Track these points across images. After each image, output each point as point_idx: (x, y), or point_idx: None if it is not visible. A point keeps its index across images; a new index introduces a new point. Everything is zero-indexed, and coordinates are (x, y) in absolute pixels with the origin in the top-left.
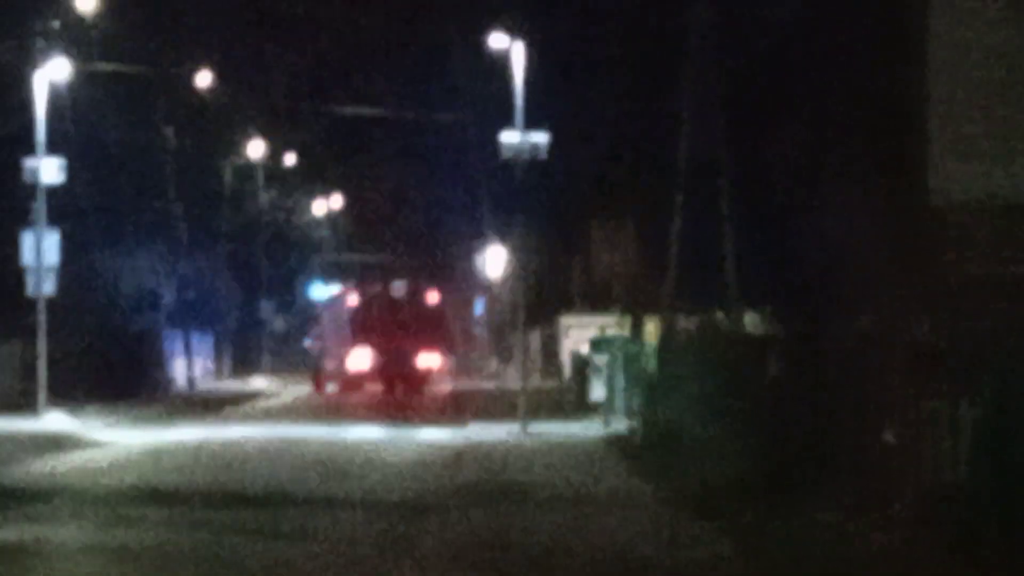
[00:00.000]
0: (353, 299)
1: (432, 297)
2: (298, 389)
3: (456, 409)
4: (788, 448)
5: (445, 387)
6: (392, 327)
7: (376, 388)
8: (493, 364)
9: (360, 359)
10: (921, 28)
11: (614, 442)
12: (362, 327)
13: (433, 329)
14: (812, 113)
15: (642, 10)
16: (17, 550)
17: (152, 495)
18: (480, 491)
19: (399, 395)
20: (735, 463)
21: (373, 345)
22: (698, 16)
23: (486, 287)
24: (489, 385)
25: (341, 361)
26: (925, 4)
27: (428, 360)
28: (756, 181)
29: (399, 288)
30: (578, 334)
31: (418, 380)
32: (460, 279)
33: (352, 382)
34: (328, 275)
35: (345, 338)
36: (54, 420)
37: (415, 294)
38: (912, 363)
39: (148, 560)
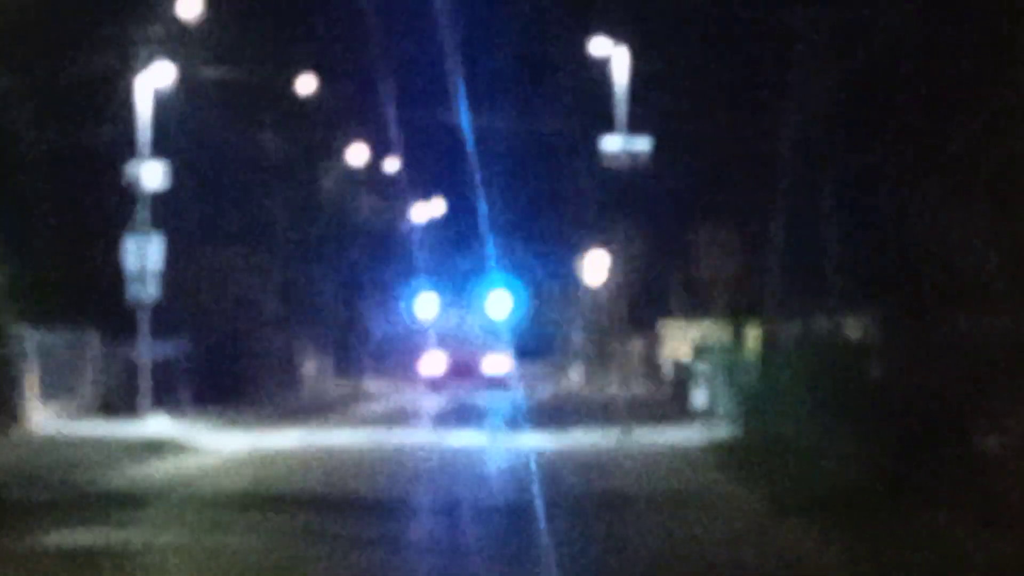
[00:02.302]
0: (431, 309)
1: (503, 305)
2: (400, 394)
3: (558, 415)
4: (892, 453)
5: (547, 393)
6: (465, 334)
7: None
8: (592, 370)
9: (434, 364)
10: None
11: (716, 449)
12: (438, 334)
13: (501, 336)
14: (921, 113)
15: (746, 13)
16: (115, 554)
17: (252, 501)
18: (583, 498)
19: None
20: (839, 469)
21: (446, 350)
22: (805, 19)
23: (586, 293)
24: (590, 391)
25: (423, 365)
26: None
27: (496, 365)
28: (860, 184)
29: (472, 297)
30: (679, 340)
31: (487, 383)
32: (561, 285)
33: (435, 384)
34: (429, 280)
35: (425, 343)
36: (157, 424)
37: (487, 303)
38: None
39: (243, 567)
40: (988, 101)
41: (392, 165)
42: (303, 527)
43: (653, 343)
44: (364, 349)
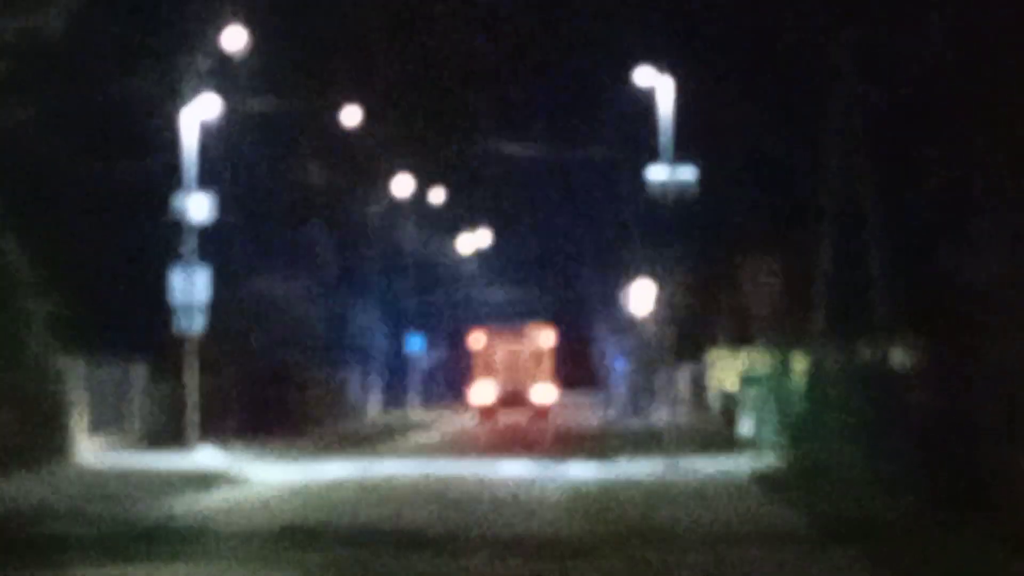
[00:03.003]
0: (481, 339)
1: (549, 335)
2: (447, 423)
3: (603, 446)
4: (939, 480)
5: (594, 421)
6: (511, 364)
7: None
8: (639, 400)
9: (484, 392)
10: None
11: (764, 477)
12: (487, 364)
13: (548, 365)
14: (961, 141)
15: (788, 43)
16: None
17: (300, 535)
18: (631, 529)
19: (527, 426)
20: (886, 496)
21: (495, 380)
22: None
23: (632, 323)
24: (637, 421)
25: (474, 394)
26: None
27: (543, 393)
28: (904, 213)
29: (519, 328)
30: (725, 370)
31: (535, 412)
32: (606, 315)
33: (485, 412)
34: (475, 311)
35: (474, 374)
36: (205, 456)
37: (534, 333)
38: None
39: None
40: None
41: (438, 196)
42: (351, 561)
43: (700, 373)
44: (411, 378)
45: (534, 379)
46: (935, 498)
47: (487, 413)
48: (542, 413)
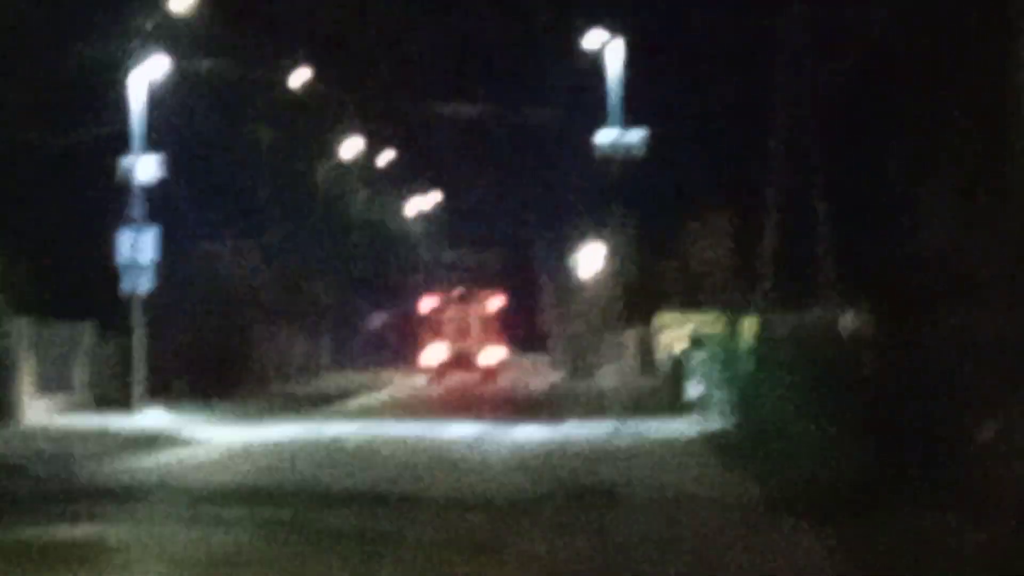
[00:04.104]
0: (431, 302)
1: (498, 300)
2: (396, 386)
3: (552, 406)
4: (885, 447)
5: (542, 384)
6: (460, 327)
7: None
8: (588, 362)
9: (433, 354)
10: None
11: (710, 440)
12: (437, 327)
13: (496, 328)
14: (915, 107)
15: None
16: (100, 548)
17: (244, 494)
18: (576, 490)
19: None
20: (832, 462)
21: (444, 342)
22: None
23: (580, 286)
24: (585, 384)
25: (423, 355)
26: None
27: (491, 355)
28: (852, 176)
29: (468, 292)
30: (673, 333)
31: (483, 373)
32: (554, 278)
33: (435, 374)
34: (424, 274)
35: (424, 336)
36: (151, 417)
37: (483, 297)
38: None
39: (231, 561)
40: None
41: (386, 158)
42: (291, 521)
43: (649, 335)
44: (360, 340)
45: (482, 342)
46: (883, 464)
47: (437, 374)
48: (491, 374)
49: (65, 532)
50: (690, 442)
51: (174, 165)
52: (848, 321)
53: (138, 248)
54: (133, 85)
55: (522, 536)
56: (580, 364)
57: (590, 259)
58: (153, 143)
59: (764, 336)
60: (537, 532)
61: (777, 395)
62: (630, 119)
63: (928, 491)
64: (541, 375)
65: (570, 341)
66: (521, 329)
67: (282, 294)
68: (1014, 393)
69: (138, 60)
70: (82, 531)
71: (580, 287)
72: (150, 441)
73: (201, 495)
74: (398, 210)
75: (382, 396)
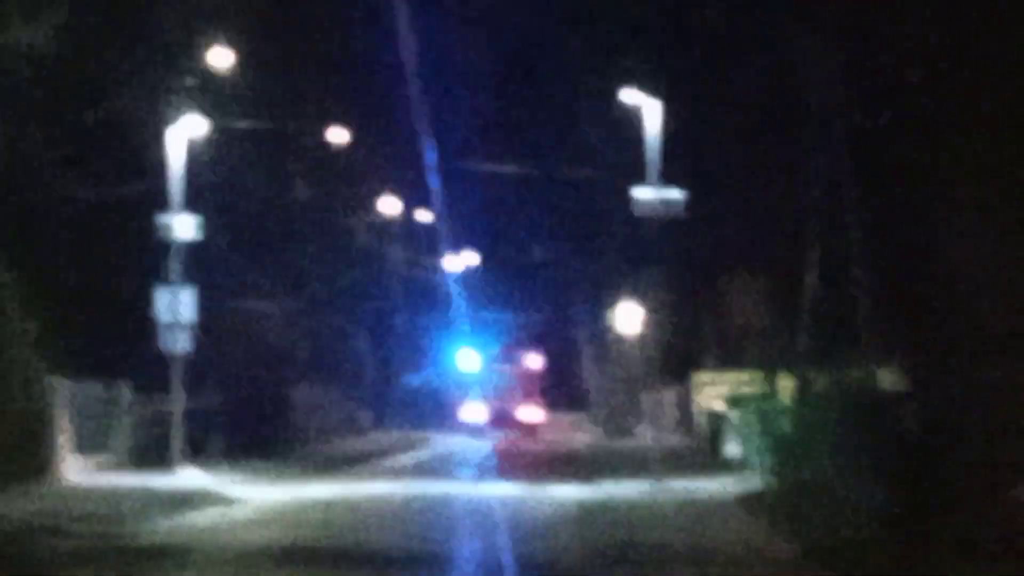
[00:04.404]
0: (471, 361)
1: (537, 358)
2: (433, 445)
3: (588, 466)
4: (923, 503)
5: (581, 442)
6: (500, 385)
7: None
8: (625, 421)
9: (474, 412)
10: None
11: (749, 499)
12: (477, 383)
13: (536, 386)
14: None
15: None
16: None
17: (283, 554)
18: (616, 549)
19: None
20: (872, 519)
21: (485, 399)
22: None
23: (618, 344)
24: (623, 442)
25: (464, 412)
26: None
27: (531, 413)
28: (890, 234)
29: (507, 351)
30: (711, 391)
31: (523, 431)
32: (591, 337)
33: (477, 431)
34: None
35: (463, 393)
36: (189, 476)
37: (522, 356)
38: None
39: None
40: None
41: (424, 216)
42: None
43: (686, 394)
44: (399, 399)
45: (522, 399)
46: (922, 522)
47: (477, 433)
48: (531, 432)
49: None
50: (728, 501)
51: (212, 223)
52: (886, 378)
53: (176, 306)
54: (171, 142)
55: None
56: (618, 422)
57: (628, 317)
58: (192, 201)
59: (802, 394)
60: None
61: (816, 453)
62: (668, 177)
63: (966, 548)
64: (579, 433)
65: (608, 399)
66: (560, 387)
67: (321, 352)
68: None
69: (176, 117)
70: None
71: (618, 345)
72: (189, 500)
73: (241, 555)
74: (437, 268)
75: (422, 455)
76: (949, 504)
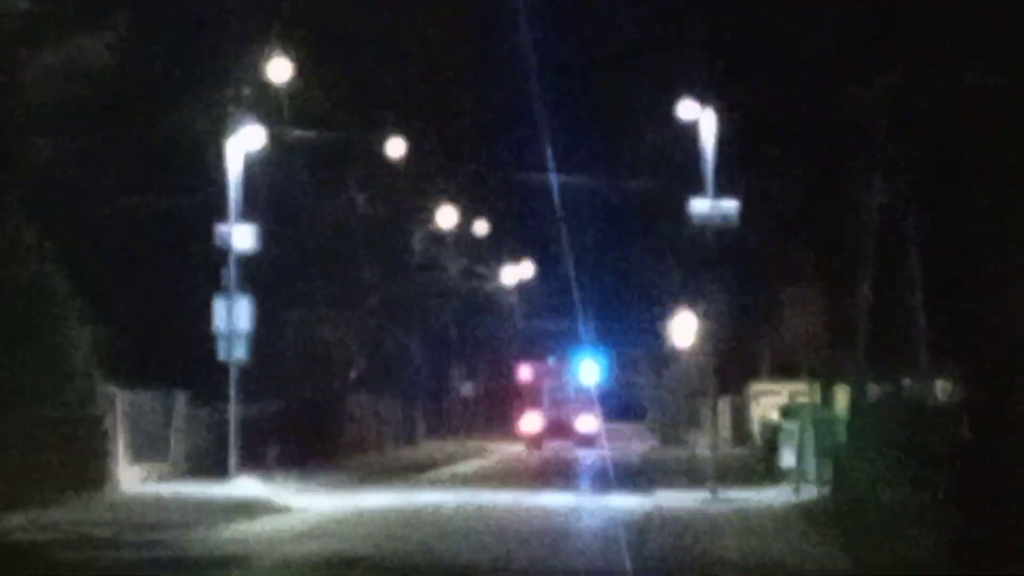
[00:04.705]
0: (529, 372)
1: (594, 367)
2: (489, 454)
3: (645, 477)
4: (979, 516)
5: (636, 452)
6: (557, 396)
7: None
8: (682, 431)
9: (532, 422)
10: None
11: (804, 510)
12: (535, 395)
13: (592, 396)
14: (1001, 177)
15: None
16: None
17: (341, 563)
18: (671, 561)
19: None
20: (928, 531)
21: (542, 411)
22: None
23: (674, 355)
24: (679, 453)
25: (523, 423)
26: None
27: (587, 423)
28: (946, 244)
29: (565, 360)
30: (767, 402)
31: (580, 440)
32: (648, 347)
33: (532, 441)
34: (518, 342)
35: (523, 404)
36: (245, 485)
37: (579, 365)
38: None
39: None
40: None
41: (481, 227)
42: None
43: (742, 404)
44: (456, 408)
45: (579, 410)
46: (978, 534)
47: (534, 442)
48: (588, 442)
49: None
50: (783, 511)
51: (270, 234)
52: (942, 390)
53: (234, 316)
54: (230, 153)
55: None
56: (673, 432)
57: (684, 327)
58: (250, 212)
59: (857, 405)
60: None
61: (871, 464)
62: (725, 187)
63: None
64: (636, 442)
65: (664, 409)
66: (617, 397)
67: (378, 361)
68: None
69: (235, 128)
70: None
71: (674, 355)
72: (246, 509)
73: (299, 563)
74: (494, 278)
75: (477, 464)
76: (1006, 517)
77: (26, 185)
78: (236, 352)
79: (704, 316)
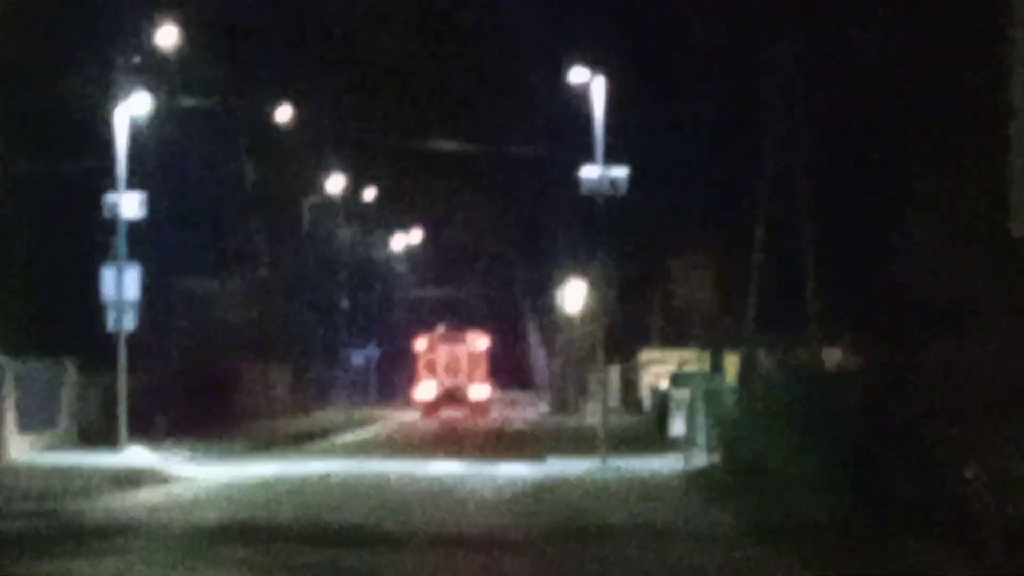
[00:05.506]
0: (423, 342)
1: (485, 337)
2: (380, 423)
3: (535, 444)
4: (869, 482)
5: (527, 420)
6: (451, 365)
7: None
8: (572, 399)
9: (426, 391)
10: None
11: (695, 477)
12: (428, 364)
13: (484, 365)
14: (897, 143)
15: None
16: None
17: (229, 532)
18: (561, 526)
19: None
20: (817, 498)
21: (436, 379)
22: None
23: (564, 322)
24: (569, 420)
25: (417, 391)
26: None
27: (480, 391)
28: (837, 211)
29: (457, 330)
30: (657, 369)
31: (473, 409)
32: (537, 314)
33: (427, 409)
34: (409, 310)
35: (416, 373)
36: (135, 455)
37: (471, 335)
38: (995, 395)
39: None
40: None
41: (371, 194)
42: (275, 559)
43: (633, 372)
44: (346, 377)
45: (471, 378)
46: (867, 501)
47: (429, 410)
48: (480, 410)
49: (47, 568)
50: (673, 479)
51: (158, 202)
52: (833, 356)
53: (122, 285)
54: (118, 121)
55: (506, 573)
56: (564, 400)
57: (574, 296)
58: (138, 178)
59: (748, 372)
60: (521, 569)
61: (761, 431)
62: (615, 155)
63: (912, 525)
64: (526, 411)
65: (554, 377)
66: (507, 365)
67: (268, 330)
68: (1000, 425)
69: (123, 95)
70: (64, 567)
71: (564, 323)
72: (135, 478)
73: (185, 532)
74: (383, 246)
75: (368, 433)
76: (894, 484)
77: None
78: (125, 321)
79: (593, 284)
